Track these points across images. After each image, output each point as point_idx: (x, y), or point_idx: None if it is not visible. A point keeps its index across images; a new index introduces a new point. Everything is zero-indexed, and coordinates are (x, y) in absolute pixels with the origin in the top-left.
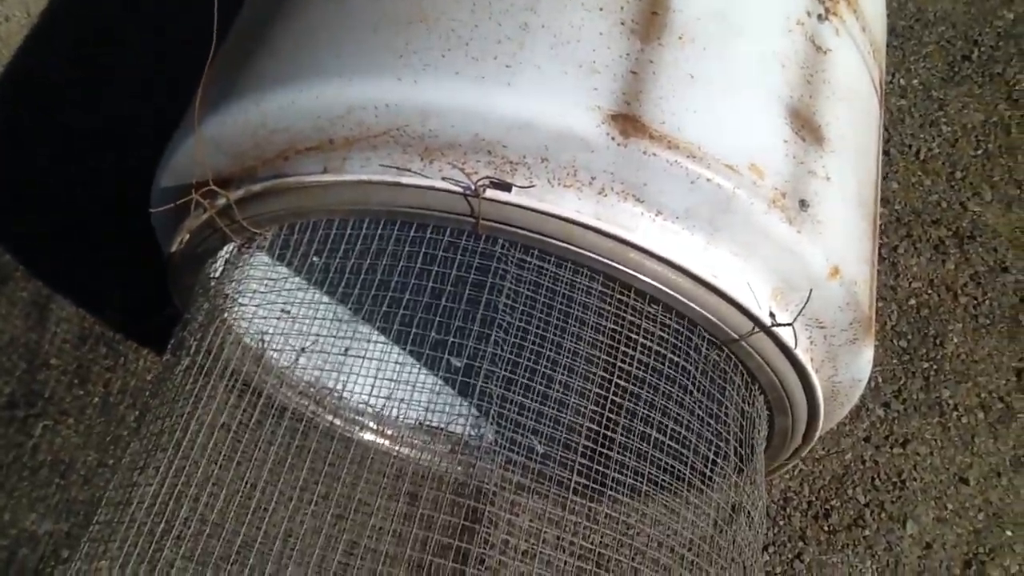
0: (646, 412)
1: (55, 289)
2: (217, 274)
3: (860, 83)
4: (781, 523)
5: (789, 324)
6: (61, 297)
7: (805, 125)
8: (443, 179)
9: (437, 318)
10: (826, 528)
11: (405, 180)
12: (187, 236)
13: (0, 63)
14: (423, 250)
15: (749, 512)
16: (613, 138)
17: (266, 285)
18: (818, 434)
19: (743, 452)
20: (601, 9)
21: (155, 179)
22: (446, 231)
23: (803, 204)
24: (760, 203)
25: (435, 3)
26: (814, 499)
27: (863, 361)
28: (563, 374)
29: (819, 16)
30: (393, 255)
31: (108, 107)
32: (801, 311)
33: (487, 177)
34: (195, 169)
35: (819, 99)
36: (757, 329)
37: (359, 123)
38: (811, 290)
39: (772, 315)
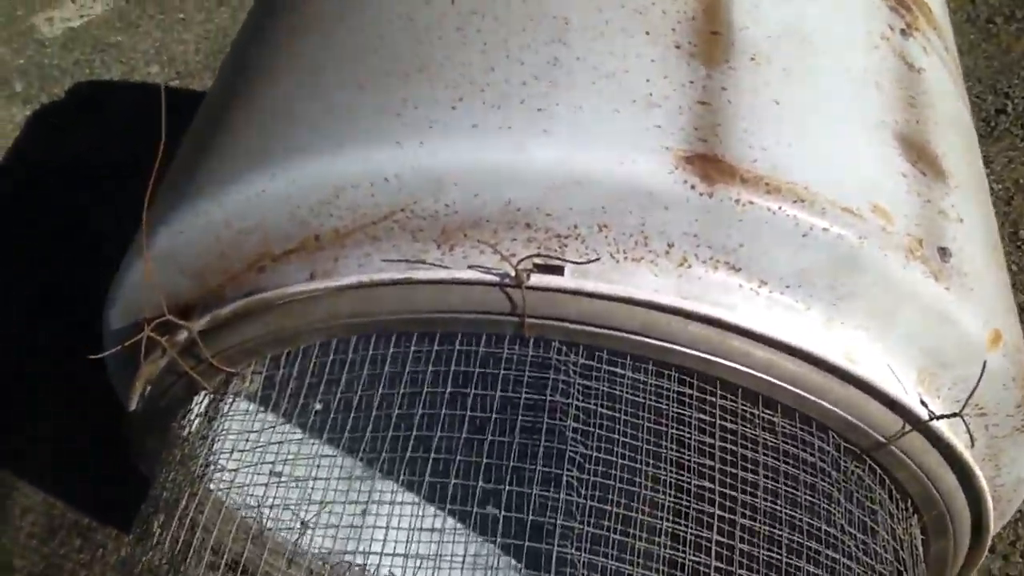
0: (789, 563)
1: (16, 473)
2: (187, 433)
3: (957, 107)
4: None
5: (956, 415)
6: (25, 483)
7: (921, 156)
8: (470, 268)
9: (484, 459)
10: None
11: (420, 276)
12: (146, 388)
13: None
14: (453, 368)
15: None
16: (693, 187)
17: (249, 442)
18: (982, 558)
19: None
20: (648, 33)
21: (103, 317)
22: (481, 339)
23: (944, 253)
24: (896, 255)
25: (436, 47)
26: None
27: None
28: (667, 519)
29: (902, 31)
30: (413, 380)
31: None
32: (972, 394)
33: (529, 258)
34: (148, 298)
35: (928, 125)
36: (909, 427)
37: (352, 208)
38: (984, 363)
39: (925, 405)
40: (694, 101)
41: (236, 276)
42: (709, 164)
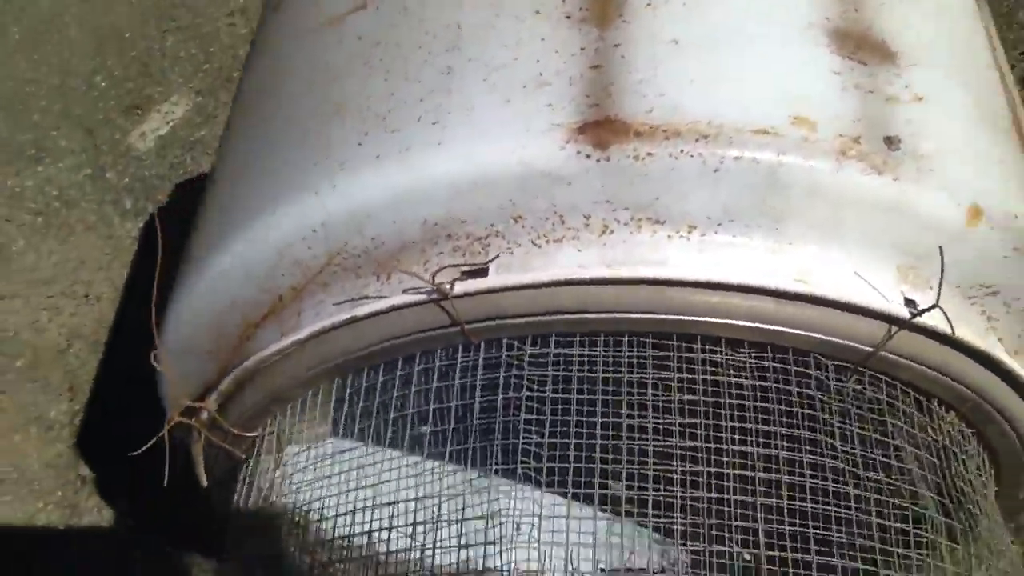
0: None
1: None
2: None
3: None
4: None
5: (934, 306)
6: None
7: (861, 45)
8: (404, 292)
9: (450, 470)
10: None
11: (361, 311)
12: (201, 466)
13: None
14: (423, 386)
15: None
16: (588, 155)
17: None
18: None
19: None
20: (538, 12)
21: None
22: (436, 355)
23: (891, 142)
24: (823, 162)
25: (347, 87)
26: None
27: None
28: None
29: None
30: (401, 404)
31: None
32: (941, 283)
33: (451, 267)
34: (181, 387)
35: (869, 8)
36: (896, 328)
37: (297, 264)
38: (941, 248)
39: (912, 302)
40: (586, 68)
41: (234, 348)
42: (602, 128)
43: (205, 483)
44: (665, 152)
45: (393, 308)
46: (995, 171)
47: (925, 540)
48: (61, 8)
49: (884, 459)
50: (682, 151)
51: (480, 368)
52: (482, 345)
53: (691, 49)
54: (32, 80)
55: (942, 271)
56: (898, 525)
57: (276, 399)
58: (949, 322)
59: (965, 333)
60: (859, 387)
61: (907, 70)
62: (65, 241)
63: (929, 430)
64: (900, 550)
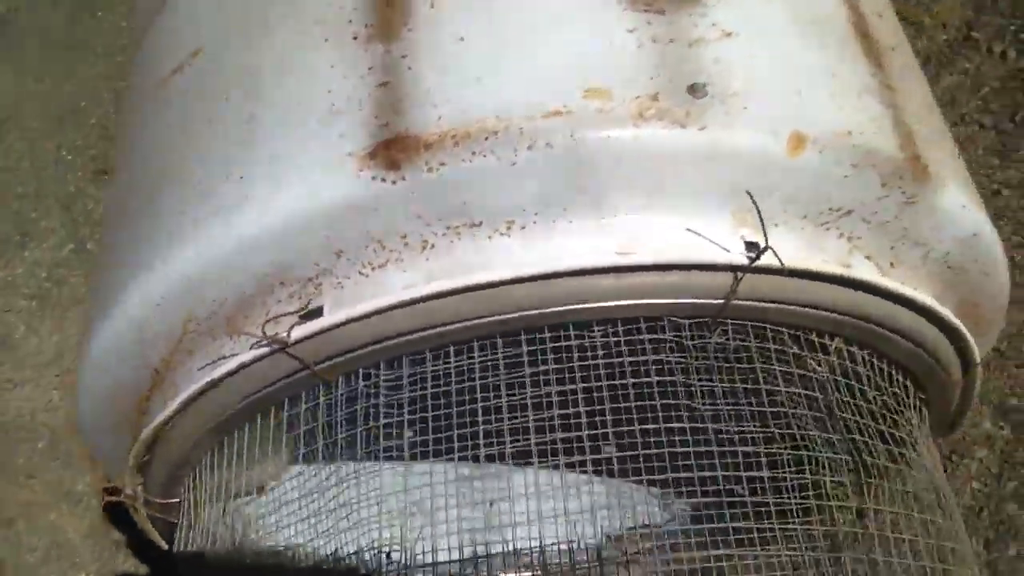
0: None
1: None
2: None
3: None
4: None
5: (766, 248)
6: None
7: None
8: (251, 348)
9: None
10: None
11: (218, 373)
12: (153, 533)
13: None
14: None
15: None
16: (383, 179)
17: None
18: (994, 327)
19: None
20: (327, 40)
21: None
22: (301, 399)
23: (695, 89)
24: (620, 129)
25: (173, 151)
26: None
27: (946, 213)
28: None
29: None
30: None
31: None
32: (763, 222)
33: (288, 314)
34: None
35: None
36: (740, 275)
37: (157, 336)
38: (749, 192)
39: (753, 245)
40: (374, 87)
41: (136, 424)
42: (392, 148)
43: (165, 547)
44: (457, 158)
45: (242, 365)
46: (820, 91)
47: (809, 481)
48: (16, 102)
49: (760, 408)
50: (474, 153)
51: (342, 403)
52: (339, 380)
53: (478, 43)
54: (4, 168)
55: (758, 210)
56: (781, 474)
57: (180, 464)
58: (779, 259)
59: (820, 260)
60: (722, 340)
61: (714, 7)
62: (62, 319)
63: (812, 364)
64: (793, 500)
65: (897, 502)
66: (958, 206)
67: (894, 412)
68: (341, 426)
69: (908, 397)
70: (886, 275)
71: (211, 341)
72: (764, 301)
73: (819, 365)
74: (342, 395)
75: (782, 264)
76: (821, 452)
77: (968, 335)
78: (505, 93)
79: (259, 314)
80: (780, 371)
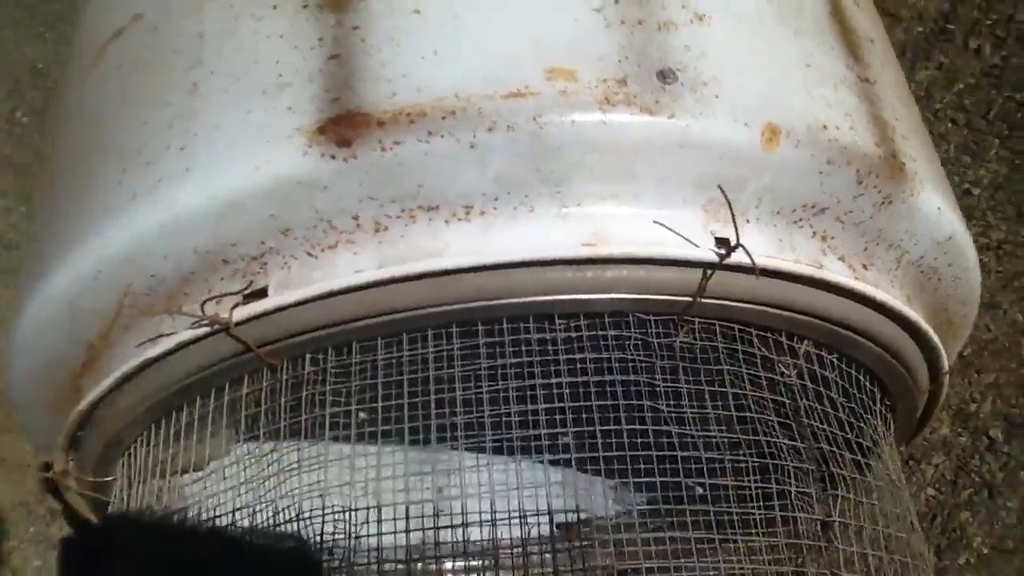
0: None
1: None
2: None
3: None
4: None
5: (737, 246)
6: None
7: None
8: (192, 327)
9: None
10: None
11: (154, 352)
12: (85, 508)
13: None
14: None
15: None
16: (333, 156)
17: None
18: (962, 334)
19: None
20: (275, 7)
21: None
22: (243, 382)
23: (665, 75)
24: (587, 113)
25: (110, 122)
26: None
27: (922, 215)
28: None
29: None
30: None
31: None
32: (735, 219)
33: (231, 294)
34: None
35: None
36: (709, 272)
37: (92, 313)
38: (720, 187)
39: (723, 241)
40: (324, 60)
41: (70, 400)
42: (343, 124)
43: (96, 521)
44: (413, 138)
45: (181, 345)
46: (795, 81)
47: (775, 491)
48: None
49: (726, 411)
50: (430, 133)
51: (287, 389)
52: (284, 364)
53: (435, 15)
54: None
55: (730, 205)
56: (741, 482)
57: (115, 443)
58: (751, 258)
59: (792, 260)
60: (688, 339)
61: None
62: (12, 284)
63: (780, 368)
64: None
65: (863, 515)
66: (934, 208)
67: (860, 419)
68: (286, 412)
69: (875, 404)
70: (859, 277)
71: (148, 318)
72: (733, 300)
73: (787, 368)
74: (287, 380)
75: (753, 263)
76: (787, 462)
77: (938, 342)
78: (463, 69)
79: (201, 292)
80: (747, 373)
